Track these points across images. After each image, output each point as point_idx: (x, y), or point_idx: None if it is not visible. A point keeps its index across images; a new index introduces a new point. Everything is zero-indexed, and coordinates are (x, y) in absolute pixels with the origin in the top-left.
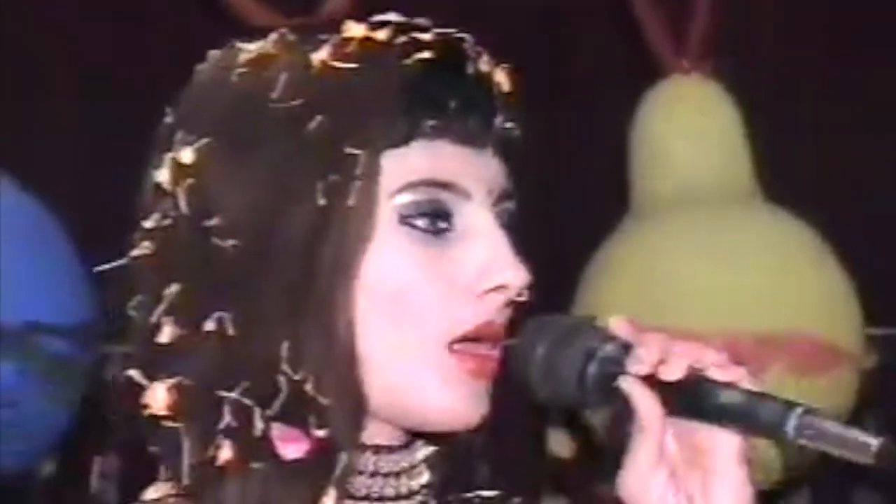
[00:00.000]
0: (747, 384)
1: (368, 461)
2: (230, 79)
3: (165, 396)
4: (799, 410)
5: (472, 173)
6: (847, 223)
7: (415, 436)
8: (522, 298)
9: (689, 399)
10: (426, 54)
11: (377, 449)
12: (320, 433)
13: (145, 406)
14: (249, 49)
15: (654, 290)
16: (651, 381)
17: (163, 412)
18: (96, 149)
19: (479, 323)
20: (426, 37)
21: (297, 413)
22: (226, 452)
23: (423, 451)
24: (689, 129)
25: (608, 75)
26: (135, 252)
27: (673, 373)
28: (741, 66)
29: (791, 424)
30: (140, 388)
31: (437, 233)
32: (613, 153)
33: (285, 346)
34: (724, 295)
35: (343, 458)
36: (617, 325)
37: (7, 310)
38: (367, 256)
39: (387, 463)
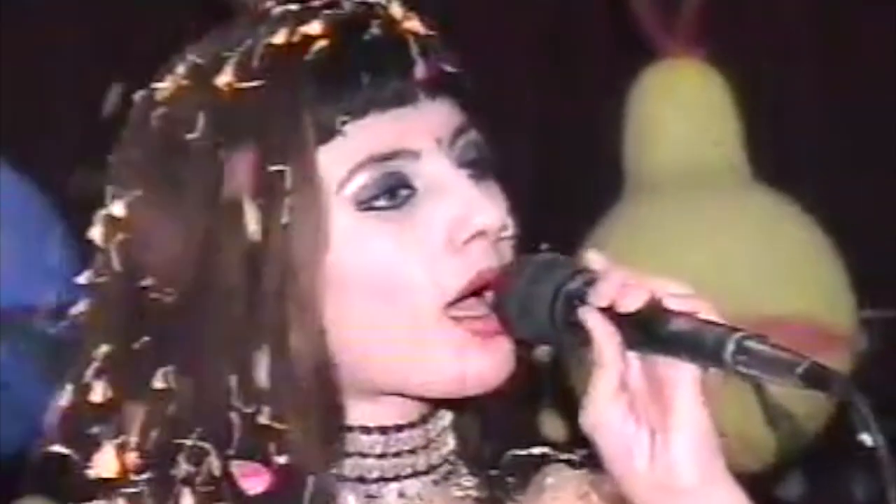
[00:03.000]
0: (704, 315)
1: (376, 443)
2: (150, 125)
3: (114, 459)
4: (738, 335)
5: (413, 130)
6: (841, 205)
7: (441, 404)
8: (507, 234)
9: (644, 329)
10: (321, 43)
11: (384, 429)
12: (282, 460)
13: (90, 469)
14: (164, 87)
15: (648, 272)
16: (612, 315)
17: (113, 475)
18: (92, 133)
19: (471, 277)
20: (318, 26)
21: (255, 446)
22: (186, 500)
23: (443, 421)
24: (682, 112)
25: (602, 58)
26: (74, 310)
27: (630, 304)
28: (734, 47)
29: (729, 349)
30: (86, 450)
31: (401, 203)
32: (608, 136)
33: (234, 381)
34: (716, 278)
35: (311, 481)
36: (593, 258)
37: (1, 292)
38: (332, 258)
39: (396, 442)
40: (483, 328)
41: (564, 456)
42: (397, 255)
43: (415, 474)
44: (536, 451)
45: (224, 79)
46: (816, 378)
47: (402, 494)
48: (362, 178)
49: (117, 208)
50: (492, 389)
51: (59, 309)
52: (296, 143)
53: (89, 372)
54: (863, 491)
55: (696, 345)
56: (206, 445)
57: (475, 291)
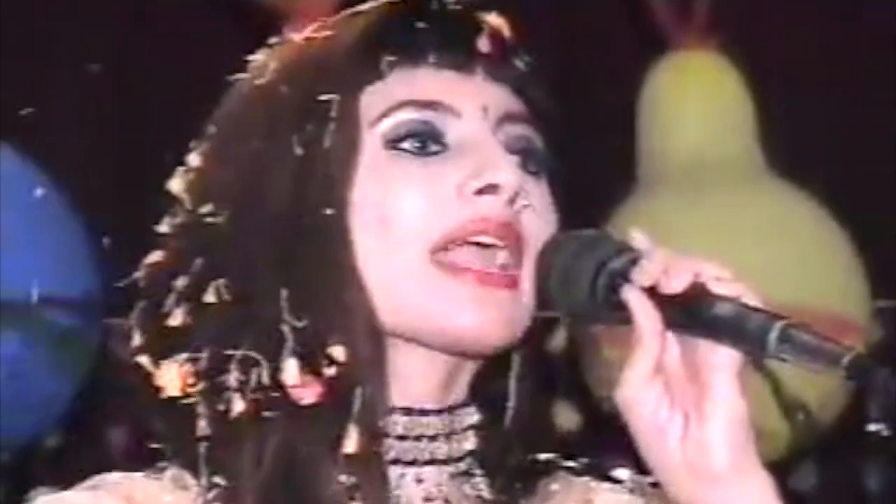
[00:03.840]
0: (748, 300)
1: (398, 423)
2: (235, 87)
3: (177, 375)
4: (782, 322)
5: (461, 92)
6: (855, 196)
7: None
8: (523, 203)
9: (686, 312)
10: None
11: (407, 411)
12: (331, 372)
13: (159, 389)
14: (257, 58)
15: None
16: (655, 295)
17: (176, 392)
18: (101, 122)
19: (463, 221)
20: None
21: (306, 358)
22: (237, 406)
23: (470, 418)
24: (696, 104)
25: (615, 50)
26: (148, 260)
27: (674, 285)
28: (748, 39)
29: (773, 336)
30: (151, 374)
31: (430, 154)
32: (621, 128)
33: (284, 294)
34: (731, 269)
35: (359, 392)
36: (637, 238)
37: (12, 282)
38: (357, 188)
39: (418, 426)
40: (478, 280)
41: (568, 463)
42: (405, 195)
43: (433, 462)
44: (542, 457)
45: (303, 35)
46: (861, 370)
47: (419, 480)
48: (396, 118)
49: (192, 158)
50: (489, 348)
51: (71, 300)
52: (345, 79)
53: (169, 301)
54: (875, 482)
55: (740, 330)
56: (257, 356)
57: (478, 242)
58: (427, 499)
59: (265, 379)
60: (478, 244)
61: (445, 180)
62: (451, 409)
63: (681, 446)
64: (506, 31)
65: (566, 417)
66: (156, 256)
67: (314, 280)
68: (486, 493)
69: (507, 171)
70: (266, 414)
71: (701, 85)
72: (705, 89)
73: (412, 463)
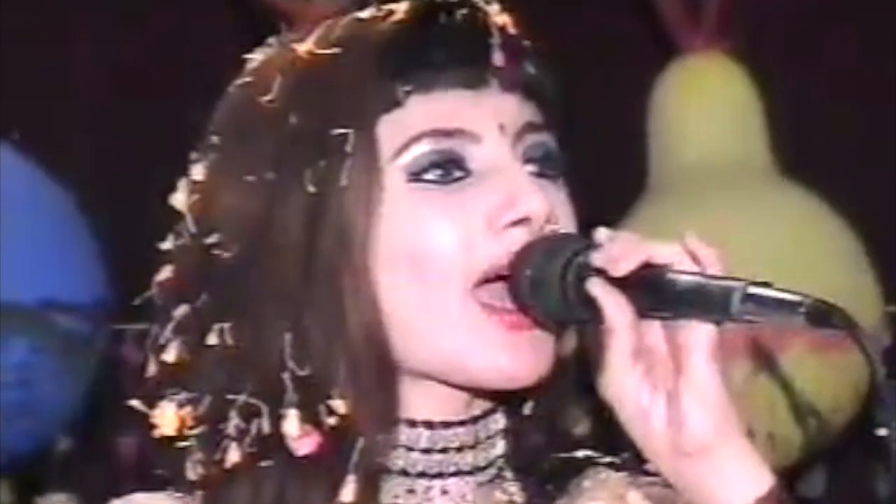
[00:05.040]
0: (709, 270)
1: (421, 436)
2: (234, 92)
3: (174, 416)
4: (741, 284)
5: (478, 114)
6: (866, 200)
7: (494, 402)
8: (552, 228)
9: (652, 295)
10: (399, 16)
11: (430, 424)
12: (331, 422)
13: (154, 427)
14: (255, 59)
15: None
16: (620, 284)
17: (172, 432)
18: (112, 127)
19: (501, 259)
20: (405, 5)
21: (307, 408)
22: (233, 455)
23: (496, 424)
24: (705, 107)
25: (625, 53)
26: (158, 277)
27: (621, 267)
28: (758, 42)
29: (735, 300)
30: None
31: (453, 182)
32: (631, 131)
33: (288, 341)
34: (741, 272)
35: (360, 443)
36: (599, 233)
37: (21, 287)
38: (381, 227)
39: (442, 439)
40: (513, 321)
41: (607, 459)
42: (436, 229)
43: (458, 473)
44: (580, 454)
45: (305, 47)
46: (820, 314)
47: (445, 492)
48: (417, 150)
49: (197, 172)
50: (529, 386)
51: (79, 305)
52: (359, 109)
53: (166, 332)
54: (886, 487)
55: (702, 300)
56: (258, 403)
57: (508, 278)
58: None
59: (265, 428)
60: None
61: (474, 210)
62: (475, 420)
63: (666, 429)
64: (512, 29)
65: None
66: (165, 274)
67: (322, 326)
68: (518, 498)
69: (535, 200)
70: (263, 464)
71: (711, 89)
72: (715, 93)
73: (438, 476)
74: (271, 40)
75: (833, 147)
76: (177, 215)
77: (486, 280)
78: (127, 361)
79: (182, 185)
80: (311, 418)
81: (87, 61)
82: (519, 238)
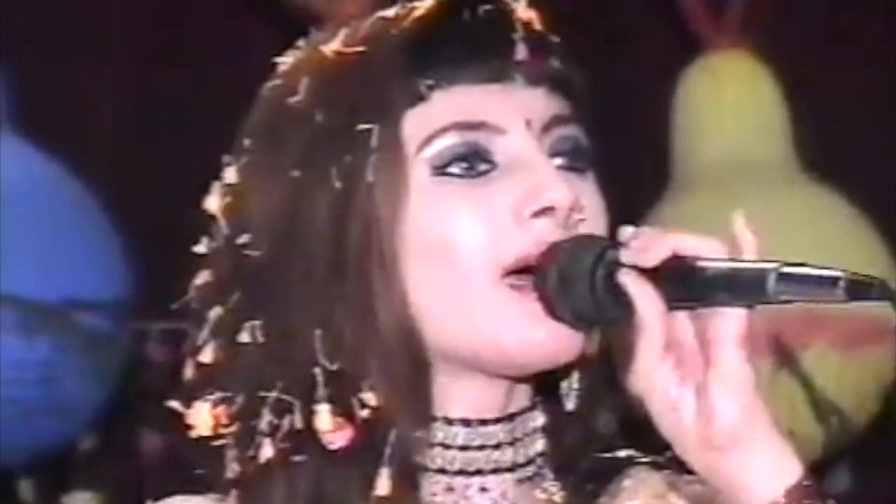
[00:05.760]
0: (736, 257)
1: (458, 434)
2: (262, 95)
3: (208, 415)
4: (775, 265)
5: (503, 108)
6: (889, 197)
7: (522, 394)
8: (577, 218)
9: (683, 284)
10: (422, 12)
11: (467, 422)
12: (364, 415)
13: (190, 428)
14: (284, 62)
15: None
16: (651, 276)
17: (208, 432)
18: (135, 127)
19: (529, 248)
20: (430, 2)
21: (339, 402)
22: (266, 450)
23: (535, 422)
24: (729, 105)
25: (650, 51)
26: (195, 282)
27: (649, 258)
28: (783, 39)
29: (771, 280)
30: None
31: (478, 175)
32: (656, 128)
33: (318, 336)
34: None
35: (393, 435)
36: (626, 232)
37: (44, 285)
38: (407, 220)
39: (479, 436)
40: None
41: (648, 458)
42: (463, 220)
43: (496, 470)
44: (621, 453)
45: (332, 46)
46: (859, 287)
47: (484, 489)
48: (442, 143)
49: (229, 175)
50: (557, 364)
51: (103, 303)
52: (384, 104)
53: (203, 334)
54: None
55: (736, 284)
56: (290, 398)
57: (534, 266)
58: None
59: (298, 423)
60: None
61: (499, 202)
62: (512, 417)
63: (695, 421)
64: (537, 25)
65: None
66: (202, 278)
67: (352, 319)
68: (558, 497)
69: (559, 189)
70: (296, 458)
71: (734, 87)
72: (739, 91)
73: (477, 473)
74: (300, 43)
75: (857, 145)
76: (205, 216)
77: (514, 271)
78: (151, 359)
79: (215, 188)
80: (343, 412)
81: (117, 63)
82: (545, 228)
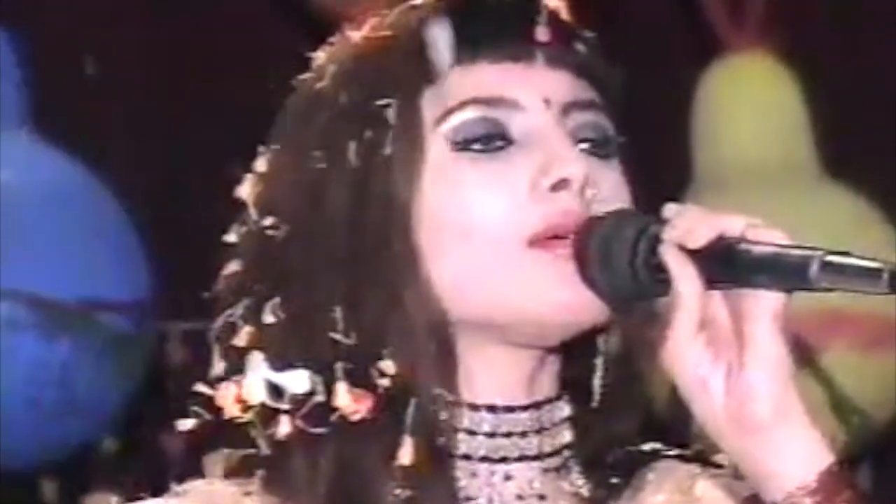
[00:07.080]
0: (781, 242)
1: (483, 420)
2: (298, 89)
3: (235, 396)
4: (820, 253)
5: (522, 86)
6: None
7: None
8: (591, 192)
9: (725, 263)
10: None
11: (493, 408)
12: (385, 383)
13: (220, 409)
14: (318, 56)
15: None
16: (694, 256)
17: (237, 413)
18: (156, 128)
19: (549, 219)
20: None
21: (358, 373)
22: (284, 427)
23: (561, 412)
24: (749, 106)
25: (669, 52)
26: (225, 271)
27: (697, 237)
28: (802, 41)
29: (814, 267)
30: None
31: (496, 150)
32: (675, 129)
33: (339, 312)
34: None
35: (413, 405)
36: (669, 209)
37: (64, 286)
38: (425, 195)
39: (505, 423)
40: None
41: (675, 451)
42: (481, 194)
43: (522, 458)
44: (647, 447)
45: (360, 34)
46: None
47: (508, 477)
48: (459, 118)
49: (259, 164)
50: (583, 326)
51: (124, 304)
52: (402, 81)
53: (235, 318)
54: None
55: (779, 267)
56: (311, 373)
57: (557, 235)
58: (520, 496)
59: (319, 397)
60: (556, 237)
61: (517, 177)
62: (538, 405)
63: (725, 400)
64: (563, 13)
65: None
66: (232, 268)
67: (373, 294)
68: (584, 490)
69: (573, 163)
70: (317, 430)
71: (755, 87)
72: (759, 92)
73: (502, 460)
74: (333, 39)
75: (877, 146)
76: (226, 217)
77: (538, 241)
78: (171, 360)
79: (247, 178)
80: (363, 383)
81: (132, 61)
82: (562, 201)
